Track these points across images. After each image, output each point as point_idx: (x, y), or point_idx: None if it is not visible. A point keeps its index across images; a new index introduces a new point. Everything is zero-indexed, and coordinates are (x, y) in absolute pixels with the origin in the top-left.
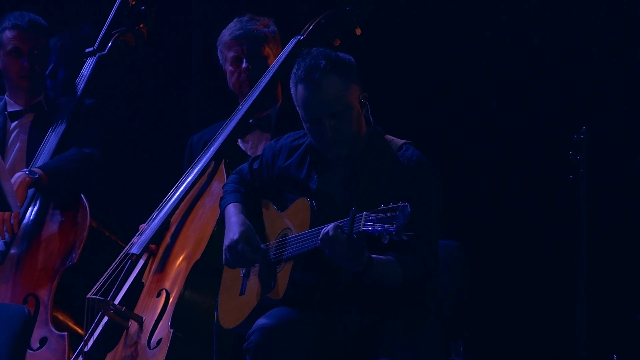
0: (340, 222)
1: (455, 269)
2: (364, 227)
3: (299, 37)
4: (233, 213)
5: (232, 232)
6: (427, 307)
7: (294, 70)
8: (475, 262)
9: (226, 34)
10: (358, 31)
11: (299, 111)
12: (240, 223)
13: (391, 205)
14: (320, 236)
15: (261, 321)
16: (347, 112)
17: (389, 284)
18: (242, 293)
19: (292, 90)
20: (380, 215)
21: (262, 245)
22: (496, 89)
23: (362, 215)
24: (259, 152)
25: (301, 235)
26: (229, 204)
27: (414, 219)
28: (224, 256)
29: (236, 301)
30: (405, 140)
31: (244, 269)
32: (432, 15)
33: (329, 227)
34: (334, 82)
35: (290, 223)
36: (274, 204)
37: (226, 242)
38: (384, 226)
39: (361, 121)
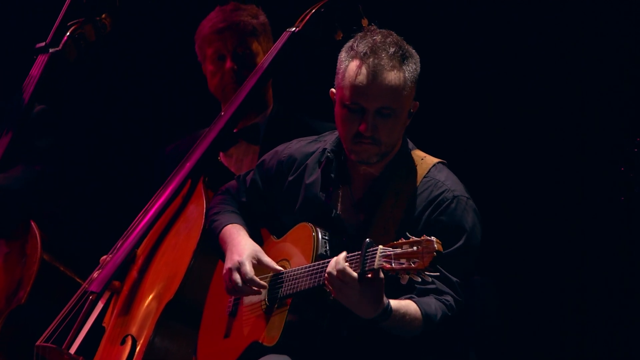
0: (350, 256)
1: (485, 310)
2: (378, 264)
3: (293, 30)
4: (235, 234)
5: (237, 253)
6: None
7: (351, 42)
8: (509, 301)
9: (206, 27)
10: (365, 22)
11: (341, 90)
12: (246, 243)
13: (413, 238)
14: (328, 270)
15: None
16: (396, 114)
17: (405, 334)
18: (227, 336)
19: (342, 64)
20: (399, 249)
21: (274, 266)
22: (532, 93)
23: (376, 249)
24: (245, 169)
25: (301, 270)
26: (227, 225)
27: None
28: (225, 283)
29: (219, 345)
30: (438, 160)
31: (230, 307)
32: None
33: (338, 259)
34: (397, 77)
35: (289, 253)
36: (270, 229)
37: (228, 264)
38: (403, 263)
39: (401, 134)
